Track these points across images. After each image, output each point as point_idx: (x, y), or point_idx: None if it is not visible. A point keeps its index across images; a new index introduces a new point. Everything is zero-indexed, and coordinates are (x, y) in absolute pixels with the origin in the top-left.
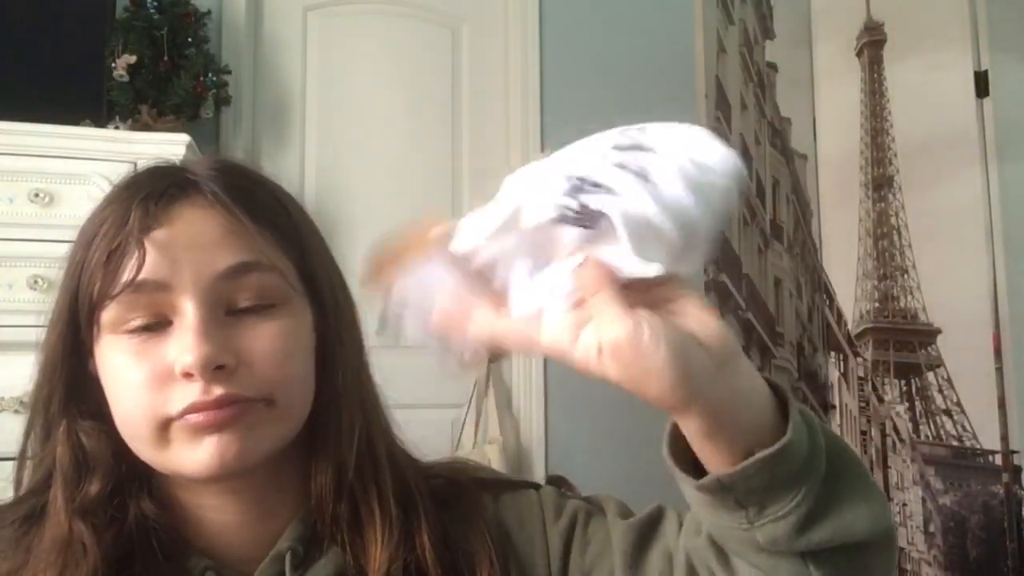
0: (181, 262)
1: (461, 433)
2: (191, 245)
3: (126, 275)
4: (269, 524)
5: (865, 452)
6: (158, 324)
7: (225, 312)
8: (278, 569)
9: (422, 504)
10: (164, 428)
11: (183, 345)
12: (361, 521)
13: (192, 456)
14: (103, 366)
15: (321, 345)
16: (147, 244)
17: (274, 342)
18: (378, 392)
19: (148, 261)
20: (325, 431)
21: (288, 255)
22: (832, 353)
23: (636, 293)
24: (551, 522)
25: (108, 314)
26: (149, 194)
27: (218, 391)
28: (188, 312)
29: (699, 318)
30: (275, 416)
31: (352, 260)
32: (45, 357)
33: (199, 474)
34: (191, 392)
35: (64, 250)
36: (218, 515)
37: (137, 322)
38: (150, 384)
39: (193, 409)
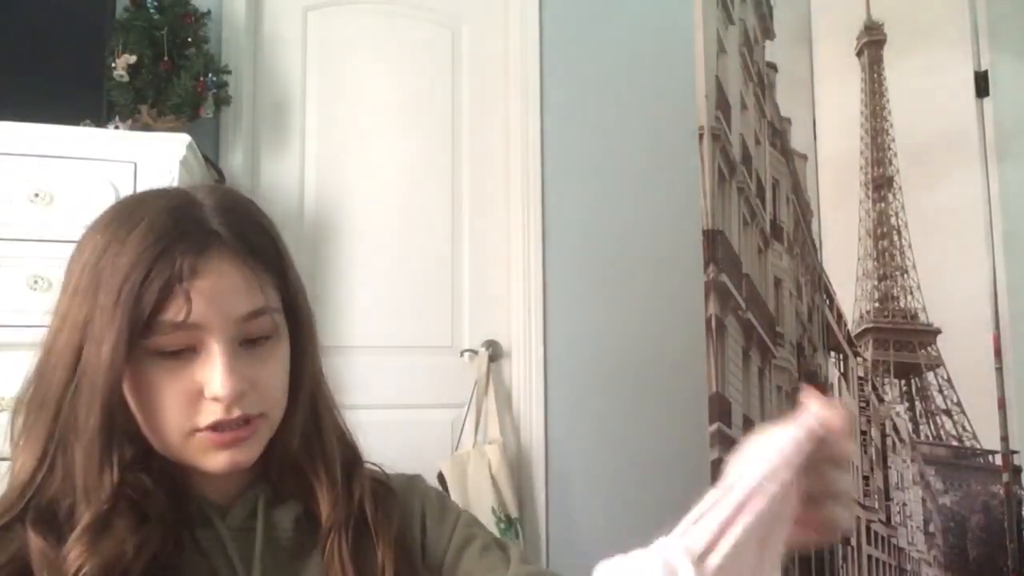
0: (212, 307)
1: (461, 433)
2: (220, 293)
3: (171, 315)
4: (240, 479)
5: (865, 452)
6: (188, 350)
7: (239, 343)
8: (251, 508)
9: (360, 474)
10: (190, 435)
11: (213, 376)
12: (311, 483)
13: (209, 461)
14: (137, 377)
15: (292, 357)
16: (192, 293)
17: (273, 370)
18: (328, 388)
19: (192, 307)
20: (286, 420)
21: (279, 291)
22: (832, 353)
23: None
24: (449, 523)
25: (151, 341)
26: (188, 247)
27: (236, 412)
28: (216, 348)
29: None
30: (268, 425)
31: (351, 259)
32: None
33: (213, 473)
34: (215, 410)
35: (64, 250)
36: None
37: (172, 349)
38: (182, 400)
39: (218, 425)
